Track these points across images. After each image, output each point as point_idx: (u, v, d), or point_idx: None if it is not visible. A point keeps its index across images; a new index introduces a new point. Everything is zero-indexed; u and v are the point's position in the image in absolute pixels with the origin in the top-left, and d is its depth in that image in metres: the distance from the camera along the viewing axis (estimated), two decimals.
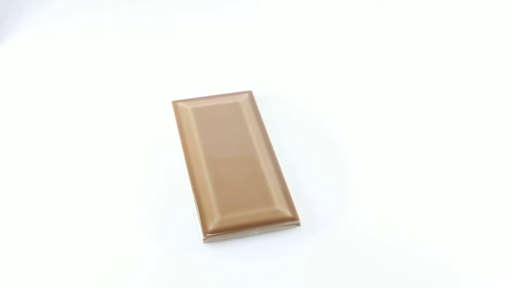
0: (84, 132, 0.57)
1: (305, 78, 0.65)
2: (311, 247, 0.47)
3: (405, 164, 0.55)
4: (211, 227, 0.47)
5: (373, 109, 0.61)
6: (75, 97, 0.61)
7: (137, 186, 0.52)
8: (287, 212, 0.48)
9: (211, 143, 0.54)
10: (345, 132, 0.58)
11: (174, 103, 0.58)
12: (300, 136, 0.57)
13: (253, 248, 0.47)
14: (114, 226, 0.48)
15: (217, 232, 0.47)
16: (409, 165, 0.55)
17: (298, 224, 0.48)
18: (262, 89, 0.61)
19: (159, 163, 0.54)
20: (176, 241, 0.47)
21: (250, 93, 0.59)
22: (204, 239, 0.47)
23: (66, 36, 0.69)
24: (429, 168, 0.55)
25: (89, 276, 0.45)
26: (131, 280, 0.45)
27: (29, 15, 0.71)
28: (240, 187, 0.50)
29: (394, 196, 0.52)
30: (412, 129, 0.59)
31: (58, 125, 0.58)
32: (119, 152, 0.55)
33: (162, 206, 0.50)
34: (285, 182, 0.51)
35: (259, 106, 0.58)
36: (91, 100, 0.61)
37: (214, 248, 0.47)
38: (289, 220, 0.48)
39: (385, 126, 0.59)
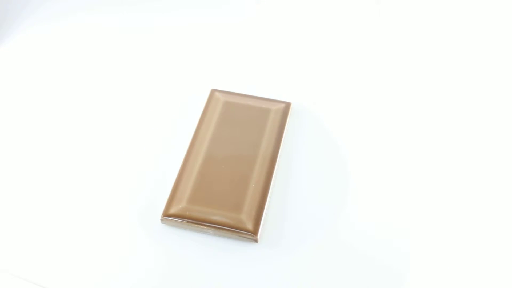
0: (84, 132, 0.57)
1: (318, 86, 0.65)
2: (266, 265, 0.47)
3: (405, 164, 0.55)
4: (172, 210, 0.49)
5: (372, 109, 0.61)
6: (76, 97, 0.61)
7: (137, 168, 0.54)
8: (249, 224, 0.48)
9: (221, 138, 0.54)
10: (354, 147, 0.57)
11: (213, 91, 0.59)
12: (315, 155, 0.56)
13: (207, 244, 0.48)
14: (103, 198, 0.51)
15: (176, 217, 0.48)
16: (409, 165, 0.55)
17: (256, 240, 0.48)
18: (308, 102, 0.60)
19: (167, 148, 0.55)
20: (142, 216, 0.50)
21: (287, 105, 0.58)
22: (162, 220, 0.49)
23: (66, 36, 0.69)
24: (430, 168, 0.55)
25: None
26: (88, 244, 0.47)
27: (29, 16, 0.71)
28: (221, 186, 0.50)
29: (394, 196, 0.52)
30: (412, 129, 0.59)
31: (58, 125, 0.58)
32: (120, 151, 0.55)
33: (149, 184, 0.52)
34: (265, 197, 0.50)
35: (294, 119, 0.57)
36: (91, 100, 0.61)
37: (171, 231, 0.49)
38: (247, 232, 0.48)
39: (384, 127, 0.59)
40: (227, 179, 0.51)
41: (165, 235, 0.49)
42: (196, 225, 0.48)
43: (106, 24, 0.71)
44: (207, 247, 0.48)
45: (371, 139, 0.57)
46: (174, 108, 0.60)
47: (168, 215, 0.49)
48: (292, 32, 0.71)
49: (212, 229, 0.48)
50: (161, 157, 0.55)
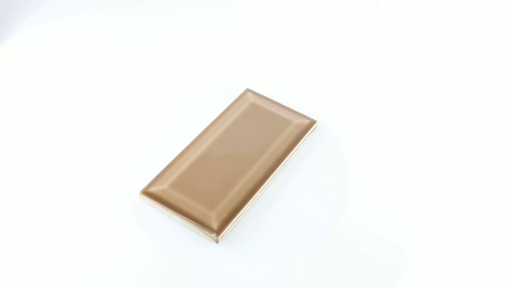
0: (84, 132, 0.57)
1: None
2: (221, 264, 0.47)
3: (405, 165, 0.55)
4: (152, 189, 0.50)
5: (372, 109, 0.61)
6: (76, 97, 0.61)
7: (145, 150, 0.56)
8: (215, 224, 0.48)
9: (230, 135, 0.55)
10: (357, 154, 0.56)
11: (246, 91, 0.60)
12: (320, 168, 0.55)
13: (171, 229, 0.49)
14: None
15: (152, 196, 0.50)
16: (409, 165, 0.55)
17: (216, 241, 0.48)
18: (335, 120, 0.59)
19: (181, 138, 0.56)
20: (126, 189, 0.52)
21: (311, 122, 0.57)
22: (140, 194, 0.50)
23: (66, 36, 0.69)
24: (430, 169, 0.55)
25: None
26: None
27: (29, 15, 0.71)
28: (208, 181, 0.51)
29: (394, 197, 0.52)
30: (412, 129, 0.59)
31: (58, 125, 0.58)
32: (124, 152, 0.55)
33: (148, 164, 0.53)
34: (245, 202, 0.49)
35: (316, 137, 0.56)
36: (91, 100, 0.61)
37: (146, 208, 0.50)
38: (209, 230, 0.47)
39: (384, 127, 0.59)
40: (217, 176, 0.51)
41: (141, 207, 0.50)
42: (167, 208, 0.49)
43: (106, 24, 0.71)
44: (170, 231, 0.49)
45: (371, 139, 0.57)
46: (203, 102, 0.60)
47: (146, 193, 0.50)
48: (292, 33, 0.71)
49: (180, 217, 0.48)
50: (175, 141, 0.55)
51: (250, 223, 0.50)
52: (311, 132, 0.56)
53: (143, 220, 0.49)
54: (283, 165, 0.53)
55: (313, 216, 0.50)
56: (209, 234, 0.47)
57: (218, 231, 0.47)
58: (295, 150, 0.54)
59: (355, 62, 0.67)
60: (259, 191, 0.51)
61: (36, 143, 0.56)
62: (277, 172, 0.52)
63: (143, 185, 0.51)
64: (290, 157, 0.54)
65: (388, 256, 0.48)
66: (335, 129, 0.58)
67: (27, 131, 0.57)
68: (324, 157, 0.55)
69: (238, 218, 0.49)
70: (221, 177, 0.51)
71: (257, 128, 0.56)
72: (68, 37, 0.69)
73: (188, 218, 0.48)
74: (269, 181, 0.52)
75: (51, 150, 0.55)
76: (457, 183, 0.53)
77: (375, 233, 0.49)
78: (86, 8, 0.73)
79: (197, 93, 0.62)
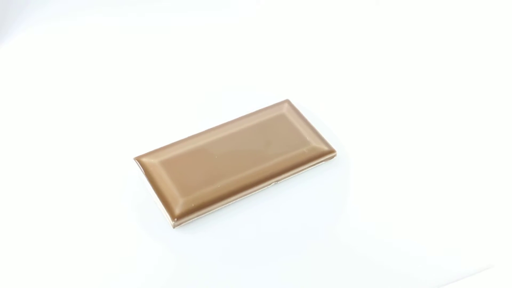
0: (84, 132, 0.57)
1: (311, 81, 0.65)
2: (175, 247, 0.48)
3: (405, 166, 0.55)
4: (144, 159, 0.52)
5: (372, 110, 0.61)
6: (76, 97, 0.61)
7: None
8: (178, 209, 0.48)
9: (242, 136, 0.54)
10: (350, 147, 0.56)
11: (287, 101, 0.58)
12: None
13: (141, 202, 0.51)
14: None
15: (141, 165, 0.52)
16: (409, 166, 0.55)
17: (172, 225, 0.48)
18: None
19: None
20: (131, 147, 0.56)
21: (329, 151, 0.54)
22: (133, 159, 0.52)
23: (66, 36, 0.69)
24: (430, 170, 0.55)
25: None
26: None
27: (29, 15, 0.71)
28: (197, 170, 0.51)
29: (394, 197, 0.52)
30: (412, 130, 0.59)
31: (58, 125, 0.58)
32: (121, 151, 0.55)
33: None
34: (217, 201, 0.49)
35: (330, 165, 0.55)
36: (91, 100, 0.61)
37: (137, 172, 0.52)
38: (170, 212, 0.48)
39: (384, 127, 0.59)
40: (206, 169, 0.51)
41: (133, 173, 0.52)
42: (148, 181, 0.50)
43: (106, 24, 0.71)
44: (142, 202, 0.51)
45: (371, 139, 0.57)
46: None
47: (138, 160, 0.52)
48: (292, 32, 0.71)
49: (154, 193, 0.50)
50: (190, 125, 0.56)
51: (234, 221, 0.50)
52: (324, 160, 0.54)
53: (128, 183, 0.52)
54: (276, 181, 0.52)
55: (311, 219, 0.50)
56: (169, 217, 0.48)
57: (178, 217, 0.48)
58: (299, 171, 0.53)
59: (354, 62, 0.67)
60: (238, 195, 0.50)
61: (36, 143, 0.56)
62: (266, 186, 0.51)
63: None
64: (289, 175, 0.52)
65: (388, 258, 0.48)
66: (350, 157, 0.55)
67: (27, 131, 0.57)
68: (326, 176, 0.54)
69: (206, 213, 0.49)
70: (210, 171, 0.51)
71: (273, 138, 0.55)
72: (68, 37, 0.69)
73: (159, 196, 0.49)
74: (254, 190, 0.51)
75: (51, 150, 0.55)
76: (458, 185, 0.53)
77: (374, 236, 0.49)
78: (86, 8, 0.73)
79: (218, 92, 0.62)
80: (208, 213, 0.50)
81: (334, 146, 0.55)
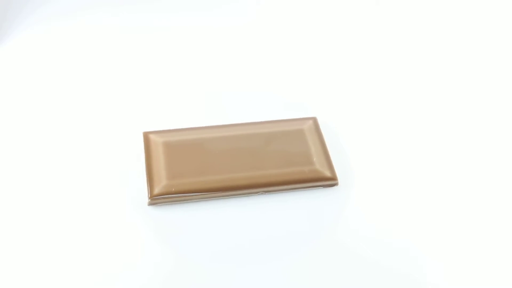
0: (84, 132, 0.57)
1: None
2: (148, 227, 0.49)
3: (405, 166, 0.55)
4: (151, 136, 0.54)
5: (371, 109, 0.61)
6: (76, 97, 0.61)
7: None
8: (157, 189, 0.50)
9: (252, 140, 0.54)
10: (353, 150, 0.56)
11: (314, 119, 0.57)
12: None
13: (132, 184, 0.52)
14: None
15: (145, 141, 0.54)
16: (409, 166, 0.55)
17: (148, 203, 0.50)
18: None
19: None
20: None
21: (331, 177, 0.52)
22: (143, 134, 0.55)
23: (66, 36, 0.69)
24: (430, 171, 0.55)
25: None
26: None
27: (29, 15, 0.71)
28: (191, 160, 0.52)
29: (394, 198, 0.52)
30: (412, 130, 0.59)
31: (58, 125, 0.58)
32: (119, 151, 0.55)
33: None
34: (195, 191, 0.50)
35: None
36: (91, 100, 0.61)
37: (138, 143, 0.55)
38: (151, 190, 0.50)
39: (383, 127, 0.59)
40: (203, 161, 0.52)
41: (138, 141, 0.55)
42: (144, 154, 0.53)
43: (106, 24, 0.71)
44: (132, 174, 0.53)
45: (371, 140, 0.57)
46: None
47: (145, 135, 0.54)
48: (292, 33, 0.71)
49: (145, 167, 0.52)
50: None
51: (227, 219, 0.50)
52: (323, 185, 0.52)
53: (127, 149, 0.55)
54: (265, 191, 0.51)
55: (307, 222, 0.50)
56: (148, 194, 0.50)
57: (154, 196, 0.50)
58: (292, 188, 0.52)
59: (354, 62, 0.67)
60: (220, 194, 0.50)
61: (37, 143, 0.56)
62: (253, 193, 0.51)
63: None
64: (280, 189, 0.51)
65: (389, 261, 0.48)
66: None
67: (27, 131, 0.57)
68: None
69: (184, 201, 0.50)
70: (204, 164, 0.52)
71: (280, 150, 0.53)
72: (68, 37, 0.69)
73: (148, 172, 0.51)
74: (239, 194, 0.51)
75: (51, 150, 0.55)
76: (460, 187, 0.53)
77: (375, 238, 0.49)
78: (86, 8, 0.73)
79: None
80: (185, 201, 0.50)
81: (343, 175, 0.53)
